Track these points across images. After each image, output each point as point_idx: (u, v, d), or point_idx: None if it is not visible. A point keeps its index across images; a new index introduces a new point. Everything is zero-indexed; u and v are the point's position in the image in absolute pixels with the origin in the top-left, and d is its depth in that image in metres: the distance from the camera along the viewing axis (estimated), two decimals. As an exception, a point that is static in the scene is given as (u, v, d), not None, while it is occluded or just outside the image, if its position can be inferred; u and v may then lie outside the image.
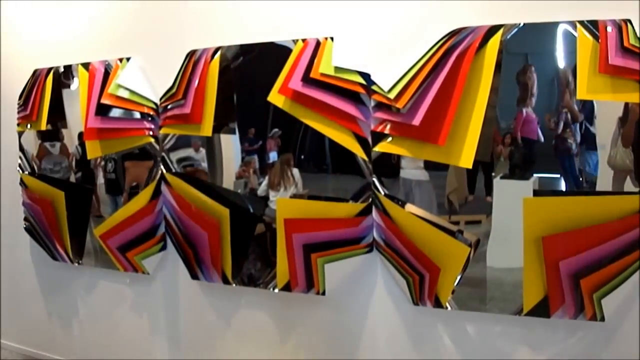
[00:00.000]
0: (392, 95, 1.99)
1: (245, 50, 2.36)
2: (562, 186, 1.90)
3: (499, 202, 1.96)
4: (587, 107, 1.86)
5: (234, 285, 2.45)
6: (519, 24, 1.87)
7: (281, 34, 2.27)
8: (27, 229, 3.10)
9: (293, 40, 2.22)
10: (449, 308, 2.04)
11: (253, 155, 2.41)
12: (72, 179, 2.97)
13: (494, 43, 1.88)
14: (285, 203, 2.28)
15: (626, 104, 1.76)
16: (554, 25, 1.83)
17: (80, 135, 2.84)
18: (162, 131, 2.55)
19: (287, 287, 2.27)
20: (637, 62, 1.70)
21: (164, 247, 2.67)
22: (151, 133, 2.57)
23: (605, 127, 1.82)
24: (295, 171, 2.33)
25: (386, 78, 2.03)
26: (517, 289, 1.91)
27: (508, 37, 1.88)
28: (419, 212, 2.04)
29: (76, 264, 2.95)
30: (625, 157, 1.79)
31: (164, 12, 2.59)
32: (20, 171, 3.07)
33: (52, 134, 2.99)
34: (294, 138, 2.31)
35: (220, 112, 2.37)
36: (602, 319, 1.80)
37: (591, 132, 1.86)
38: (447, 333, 2.12)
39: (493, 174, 1.97)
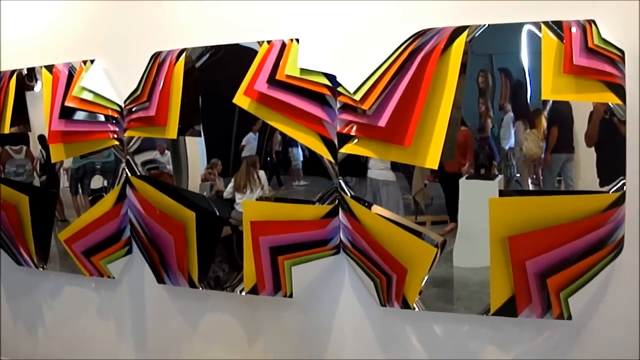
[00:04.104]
0: (357, 97, 1.89)
1: (211, 51, 2.22)
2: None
3: (464, 202, 1.88)
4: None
5: (200, 288, 2.32)
6: (484, 25, 1.79)
7: (246, 35, 2.15)
8: (-10, 234, 2.90)
9: (258, 42, 2.10)
10: (417, 309, 1.96)
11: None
12: (37, 182, 2.78)
13: (459, 44, 1.80)
14: (251, 205, 2.16)
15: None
16: (518, 26, 1.75)
17: (41, 138, 2.66)
18: (127, 134, 2.39)
19: (254, 290, 2.15)
20: (601, 63, 1.63)
21: (129, 251, 2.51)
22: (116, 136, 2.41)
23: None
24: (262, 173, 2.20)
25: (352, 79, 1.94)
26: (484, 289, 1.83)
27: (473, 38, 1.80)
28: (385, 213, 1.95)
29: (41, 269, 2.76)
30: (534, 146, 1.75)
31: (128, 13, 2.43)
32: (-17, 176, 2.86)
33: (16, 137, 2.79)
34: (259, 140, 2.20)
35: (185, 114, 2.23)
36: (569, 317, 1.73)
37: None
38: (414, 334, 2.04)
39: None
